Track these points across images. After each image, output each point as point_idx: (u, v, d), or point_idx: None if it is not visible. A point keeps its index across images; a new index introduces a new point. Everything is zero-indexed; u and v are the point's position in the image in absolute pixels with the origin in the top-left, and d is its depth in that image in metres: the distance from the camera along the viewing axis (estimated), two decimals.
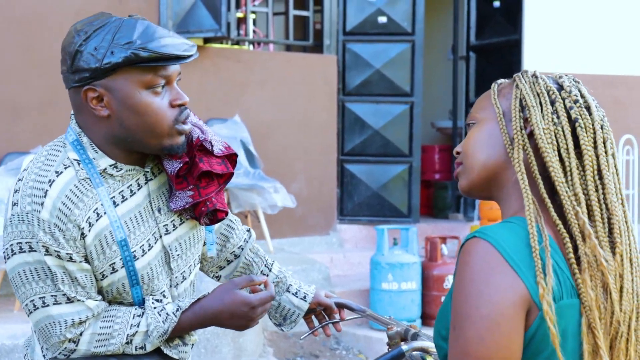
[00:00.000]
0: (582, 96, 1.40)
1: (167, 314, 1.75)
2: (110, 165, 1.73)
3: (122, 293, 1.77)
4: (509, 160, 1.39)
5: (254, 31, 7.59)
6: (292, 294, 2.10)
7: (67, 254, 1.66)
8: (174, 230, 1.82)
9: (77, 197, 1.68)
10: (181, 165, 1.76)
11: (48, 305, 1.68)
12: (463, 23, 8.29)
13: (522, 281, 1.26)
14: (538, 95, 1.39)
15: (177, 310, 1.76)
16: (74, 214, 1.67)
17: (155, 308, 1.76)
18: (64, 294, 1.68)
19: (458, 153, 1.47)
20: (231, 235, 2.09)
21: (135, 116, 1.68)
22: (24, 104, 5.77)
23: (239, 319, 1.77)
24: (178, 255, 1.83)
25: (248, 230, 2.14)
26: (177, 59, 1.68)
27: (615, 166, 1.37)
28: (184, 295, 1.88)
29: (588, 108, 1.39)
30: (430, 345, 1.89)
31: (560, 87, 1.41)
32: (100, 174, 1.72)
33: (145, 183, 1.79)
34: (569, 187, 1.32)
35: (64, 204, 1.66)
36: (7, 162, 5.49)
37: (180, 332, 1.78)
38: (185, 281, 1.88)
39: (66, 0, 5.94)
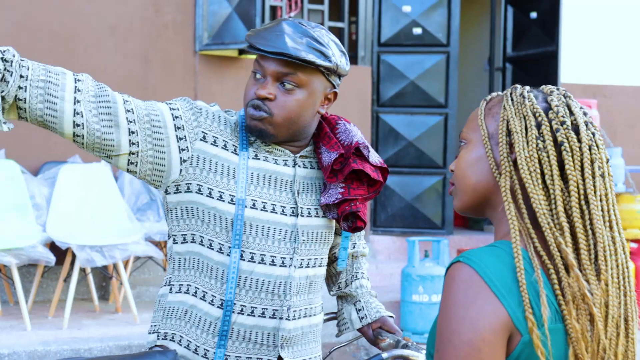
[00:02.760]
0: (572, 114, 1.38)
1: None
2: (265, 141, 1.96)
3: (223, 227, 1.91)
4: (498, 184, 1.38)
5: None
6: (356, 309, 2.22)
7: (179, 113, 1.91)
8: (308, 217, 1.99)
9: (225, 123, 1.96)
10: (337, 156, 1.95)
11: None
12: (500, 34, 8.25)
13: (503, 307, 1.26)
14: (524, 117, 1.37)
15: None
16: (212, 123, 1.94)
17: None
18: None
19: (452, 171, 1.46)
20: (352, 237, 2.23)
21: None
22: None
23: None
24: (304, 240, 1.98)
25: (364, 247, 2.28)
26: (254, 49, 1.90)
27: (605, 187, 1.35)
28: (298, 285, 1.97)
29: (576, 128, 1.36)
30: (413, 354, 1.97)
31: (549, 107, 1.38)
32: (252, 142, 1.96)
33: (293, 166, 1.99)
34: (552, 218, 1.31)
35: (215, 113, 1.96)
36: (44, 171, 5.61)
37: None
38: (302, 270, 1.98)
39: (102, 15, 6.05)
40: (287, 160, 1.99)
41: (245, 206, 1.91)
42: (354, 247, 2.24)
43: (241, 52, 6.57)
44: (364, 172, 1.99)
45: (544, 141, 1.34)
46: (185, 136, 1.90)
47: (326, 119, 2.05)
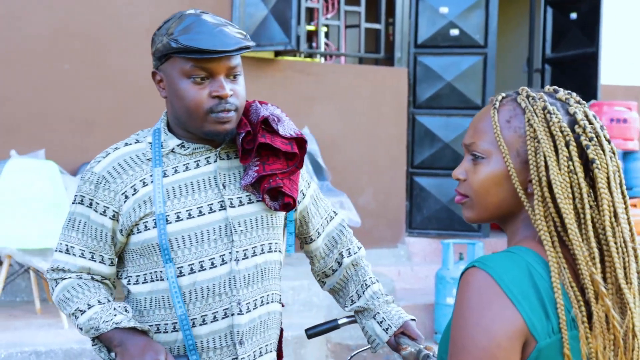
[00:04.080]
0: (591, 122, 1.35)
1: (108, 319, 1.87)
2: (178, 145, 1.94)
3: (157, 254, 1.89)
4: (521, 199, 1.36)
5: (326, 44, 7.65)
6: (377, 322, 2.15)
7: (103, 205, 1.90)
8: (239, 206, 1.94)
9: (131, 165, 1.91)
10: (243, 134, 1.91)
11: (59, 251, 1.98)
12: (539, 35, 8.17)
13: (519, 313, 1.25)
14: (552, 136, 1.33)
15: (115, 323, 1.86)
16: (121, 177, 1.90)
17: (113, 307, 1.90)
18: (66, 243, 1.94)
19: (459, 179, 1.43)
20: (340, 241, 2.19)
21: (178, 100, 1.88)
22: (97, 118, 5.98)
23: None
24: (241, 230, 1.93)
25: (359, 248, 2.22)
26: (206, 52, 1.81)
27: (624, 195, 1.34)
28: (246, 277, 1.94)
29: (598, 138, 1.34)
30: None
31: (574, 121, 1.35)
32: (167, 153, 1.93)
33: (215, 161, 1.95)
34: (584, 246, 1.29)
35: (119, 164, 1.91)
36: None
37: (104, 340, 1.90)
38: (247, 260, 1.94)
39: (137, 18, 6.12)
40: (209, 157, 1.95)
41: (169, 222, 1.88)
42: (349, 254, 2.19)
43: (277, 53, 6.60)
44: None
45: (572, 162, 1.32)
46: (114, 212, 1.90)
47: (244, 106, 2.00)
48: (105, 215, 1.90)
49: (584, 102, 1.40)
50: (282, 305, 2.11)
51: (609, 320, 1.27)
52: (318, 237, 2.17)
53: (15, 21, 5.77)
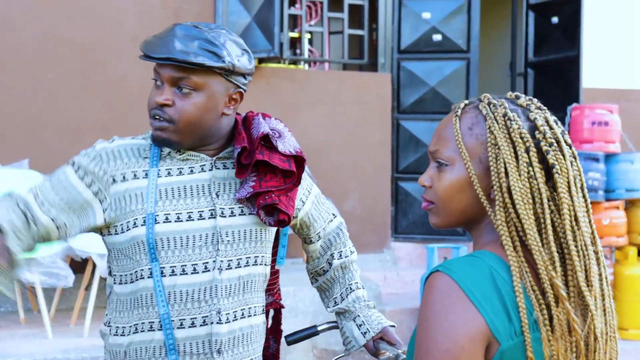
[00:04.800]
0: (551, 127, 1.37)
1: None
2: (173, 149, 1.96)
3: (140, 253, 1.91)
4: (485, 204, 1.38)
5: (310, 51, 7.67)
6: (357, 325, 2.18)
7: (90, 178, 1.94)
8: (230, 216, 1.95)
9: (129, 154, 1.96)
10: (239, 149, 1.93)
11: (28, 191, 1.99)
12: (521, 40, 8.21)
13: (481, 316, 1.27)
14: (513, 143, 1.35)
15: None
16: (115, 162, 1.95)
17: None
18: (37, 189, 1.96)
19: (425, 186, 1.44)
20: (334, 243, 2.21)
21: None
22: (83, 126, 5.98)
23: None
24: (228, 241, 1.94)
25: (352, 252, 2.25)
26: (147, 57, 1.90)
27: (586, 199, 1.36)
28: (228, 287, 1.95)
29: (558, 143, 1.36)
30: None
31: (534, 127, 1.37)
32: (165, 156, 1.97)
33: (210, 170, 1.97)
34: (544, 251, 1.31)
35: (118, 151, 1.96)
36: None
37: None
38: (231, 271, 1.95)
39: (124, 26, 6.13)
40: (204, 165, 1.97)
41: (157, 222, 1.90)
42: (340, 256, 2.21)
43: (261, 60, 6.62)
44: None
45: (532, 167, 1.34)
46: (99, 188, 1.94)
47: (247, 118, 2.02)
48: (89, 188, 1.94)
49: (545, 107, 1.42)
50: (282, 307, 2.17)
51: (569, 323, 1.29)
52: (318, 240, 2.20)
53: (0, 29, 5.77)
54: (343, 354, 2.24)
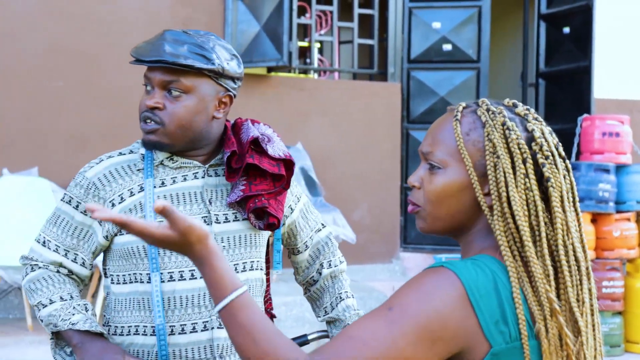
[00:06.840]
0: (546, 140, 1.36)
1: (66, 318, 1.91)
2: (167, 158, 1.98)
3: (137, 257, 1.92)
4: (478, 209, 1.36)
5: (320, 60, 7.67)
6: None
7: (79, 202, 1.95)
8: (225, 222, 1.97)
9: (122, 173, 1.97)
10: (229, 153, 1.94)
11: (36, 241, 2.03)
12: (532, 50, 8.19)
13: (475, 316, 1.24)
14: (511, 153, 1.33)
15: (72, 323, 1.90)
16: (111, 186, 1.95)
17: (73, 306, 1.93)
18: (44, 236, 1.99)
19: (414, 187, 1.41)
20: (323, 252, 2.22)
21: None
22: (91, 135, 6.00)
23: None
24: (224, 246, 1.96)
25: (341, 262, 2.26)
26: (138, 61, 1.92)
27: (577, 212, 1.35)
28: None
29: (553, 157, 1.35)
30: None
31: (531, 138, 1.35)
32: (157, 165, 1.98)
33: (203, 177, 1.98)
34: (539, 263, 1.29)
35: (110, 173, 1.97)
36: None
37: (64, 338, 1.95)
38: None
39: (129, 36, 6.15)
40: (197, 172, 1.99)
41: None
42: (329, 266, 2.22)
43: (269, 69, 6.63)
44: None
45: (529, 179, 1.32)
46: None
47: (236, 124, 2.04)
48: (88, 215, 1.95)
49: (537, 115, 1.40)
50: (274, 317, 2.16)
51: (562, 337, 1.27)
52: (305, 250, 2.21)
53: (8, 39, 5.80)
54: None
